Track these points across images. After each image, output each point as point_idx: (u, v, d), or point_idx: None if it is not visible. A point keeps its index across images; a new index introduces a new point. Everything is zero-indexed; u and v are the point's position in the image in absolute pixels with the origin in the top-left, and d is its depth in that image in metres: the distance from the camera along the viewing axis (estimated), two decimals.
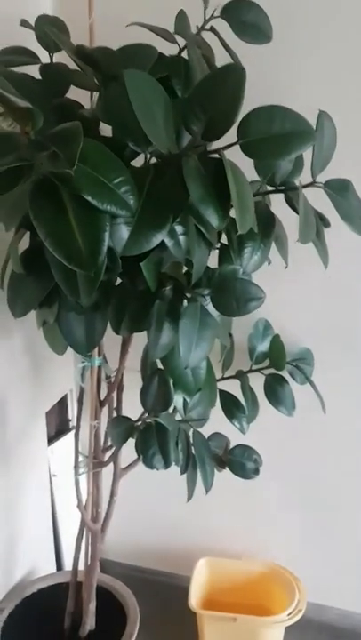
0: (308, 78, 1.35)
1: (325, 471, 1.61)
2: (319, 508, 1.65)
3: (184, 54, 1.09)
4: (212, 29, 1.11)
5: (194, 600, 1.56)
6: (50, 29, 0.91)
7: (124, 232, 0.80)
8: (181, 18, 1.05)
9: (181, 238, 0.87)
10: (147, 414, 1.09)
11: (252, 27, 1.10)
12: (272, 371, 1.41)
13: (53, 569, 1.69)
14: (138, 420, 1.10)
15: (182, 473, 1.13)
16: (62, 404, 1.73)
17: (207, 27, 1.11)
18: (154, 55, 0.91)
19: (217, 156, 0.84)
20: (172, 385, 1.05)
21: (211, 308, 1.00)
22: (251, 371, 1.43)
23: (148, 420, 1.07)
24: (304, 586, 1.61)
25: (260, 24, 1.11)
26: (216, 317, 1.02)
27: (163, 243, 0.84)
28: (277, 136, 0.81)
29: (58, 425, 1.73)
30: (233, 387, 1.41)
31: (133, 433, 1.07)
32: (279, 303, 1.48)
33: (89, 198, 0.70)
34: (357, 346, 1.49)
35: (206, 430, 1.32)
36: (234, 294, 0.95)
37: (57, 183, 0.69)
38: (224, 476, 1.54)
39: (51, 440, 1.67)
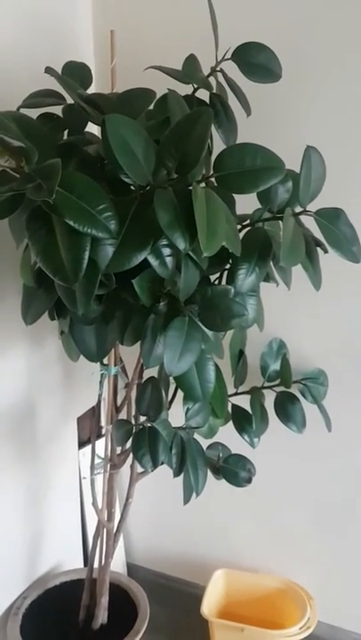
0: (319, 114, 1.43)
1: (349, 494, 1.63)
2: (342, 531, 1.67)
3: (201, 94, 1.21)
4: (222, 71, 1.21)
5: (206, 608, 1.63)
6: (62, 77, 1.05)
7: (110, 252, 0.91)
8: (190, 61, 1.16)
9: (168, 259, 0.97)
10: (146, 419, 1.18)
11: (261, 67, 1.20)
12: (283, 388, 1.47)
13: (81, 565, 1.81)
14: (137, 424, 1.20)
15: (175, 476, 1.21)
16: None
17: (218, 68, 1.22)
18: (152, 98, 1.03)
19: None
20: (164, 393, 1.15)
21: None
22: (263, 387, 1.50)
23: (146, 424, 1.17)
24: (317, 605, 1.64)
25: (269, 65, 1.21)
26: (209, 333, 1.12)
27: None
28: (248, 171, 0.91)
29: (92, 430, 1.85)
30: (248, 403, 1.48)
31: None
32: (296, 324, 1.55)
33: (71, 222, 0.82)
34: None
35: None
36: (219, 311, 1.04)
37: (45, 209, 0.82)
38: (249, 494, 1.61)
39: (83, 444, 1.80)
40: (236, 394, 1.49)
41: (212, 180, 1.00)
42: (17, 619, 1.50)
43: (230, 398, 1.43)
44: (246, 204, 1.17)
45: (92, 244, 0.87)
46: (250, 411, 1.44)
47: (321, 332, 1.54)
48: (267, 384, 1.50)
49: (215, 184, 1.01)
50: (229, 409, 1.43)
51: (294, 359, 1.53)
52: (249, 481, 1.33)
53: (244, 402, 1.47)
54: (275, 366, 1.50)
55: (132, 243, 0.91)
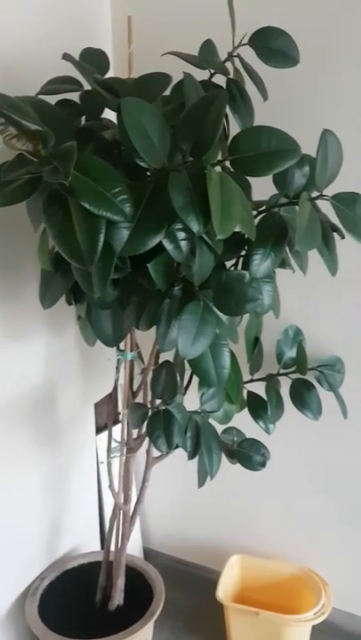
0: (336, 98, 1.42)
1: None
2: (358, 519, 1.66)
3: (217, 80, 1.21)
4: (238, 56, 1.21)
5: (222, 592, 1.64)
6: (78, 62, 1.05)
7: (125, 235, 0.92)
8: (207, 46, 1.17)
9: (182, 243, 0.98)
10: (161, 402, 1.20)
11: (278, 52, 1.19)
12: (299, 375, 1.47)
13: (98, 548, 1.83)
14: (153, 408, 1.21)
15: (190, 458, 1.22)
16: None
17: (235, 54, 1.22)
18: (168, 83, 1.03)
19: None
20: (178, 377, 1.16)
21: None
22: (278, 374, 1.50)
23: (162, 408, 1.18)
24: (334, 593, 1.64)
25: (287, 50, 1.20)
26: (224, 317, 1.12)
27: None
28: (263, 153, 0.91)
29: (109, 413, 1.86)
30: (263, 390, 1.48)
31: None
32: (312, 311, 1.55)
33: (86, 205, 0.83)
34: None
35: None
36: (233, 295, 1.04)
37: (62, 192, 0.83)
38: (266, 481, 1.62)
39: (101, 430, 1.82)
40: (251, 380, 1.50)
41: (228, 165, 1.01)
42: (35, 599, 1.53)
43: (246, 385, 1.44)
44: (263, 190, 1.17)
45: (108, 227, 0.88)
46: (265, 397, 1.45)
47: (337, 318, 1.54)
48: (282, 371, 1.50)
49: (231, 169, 1.01)
50: (245, 395, 1.44)
51: (310, 346, 1.53)
52: (263, 465, 1.34)
53: (259, 389, 1.47)
54: (291, 353, 1.51)
55: (147, 226, 0.92)
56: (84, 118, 1.16)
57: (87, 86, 1.16)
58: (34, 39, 1.35)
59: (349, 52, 1.38)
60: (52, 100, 1.12)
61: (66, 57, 1.11)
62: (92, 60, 1.17)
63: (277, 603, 1.68)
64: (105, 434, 1.81)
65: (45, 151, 0.84)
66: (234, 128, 1.14)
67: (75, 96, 1.18)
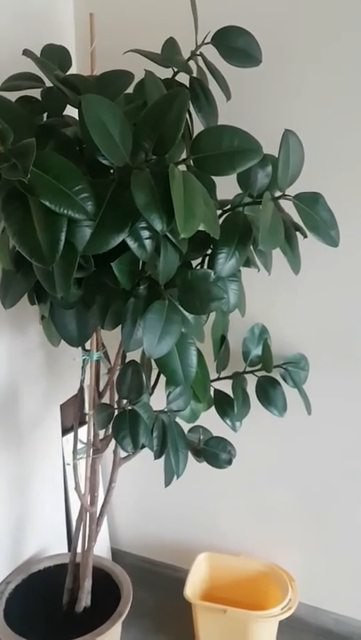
0: (298, 98, 1.43)
1: (330, 476, 1.65)
2: (323, 514, 1.69)
3: (181, 78, 1.21)
4: (202, 55, 1.21)
5: (189, 590, 1.64)
6: (39, 58, 1.04)
7: (88, 234, 0.91)
8: (169, 45, 1.16)
9: (147, 242, 0.98)
10: (127, 402, 1.19)
11: (241, 52, 1.20)
12: (264, 373, 1.48)
13: (65, 550, 1.81)
14: (119, 408, 1.21)
15: (156, 458, 1.22)
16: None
17: (198, 52, 1.22)
18: (129, 80, 1.03)
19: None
20: (145, 377, 1.16)
21: None
22: (244, 372, 1.51)
23: (128, 408, 1.18)
24: (299, 587, 1.66)
25: (249, 49, 1.21)
26: (190, 316, 1.12)
27: None
28: (225, 153, 0.91)
29: (75, 414, 1.84)
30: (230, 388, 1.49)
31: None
32: (277, 309, 1.56)
33: (47, 203, 0.82)
34: (354, 353, 1.53)
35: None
36: (198, 294, 1.04)
37: (21, 190, 0.82)
38: (233, 478, 1.62)
39: (67, 431, 1.80)
40: (218, 379, 1.50)
41: (191, 163, 1.01)
42: (0, 603, 1.50)
43: (213, 383, 1.44)
44: (228, 189, 1.18)
45: (70, 225, 0.87)
46: (232, 395, 1.45)
47: (302, 317, 1.55)
48: (248, 369, 1.51)
49: (194, 167, 1.01)
50: (212, 393, 1.44)
51: (276, 344, 1.54)
52: (229, 462, 1.35)
53: (226, 386, 1.48)
54: (256, 351, 1.51)
55: (109, 224, 0.91)
56: (45, 115, 1.15)
57: (49, 83, 1.15)
58: None
59: (311, 51, 1.39)
60: (13, 96, 1.10)
61: (26, 53, 1.09)
62: (54, 56, 1.16)
63: (245, 599, 1.69)
64: (71, 435, 1.79)
65: (4, 148, 0.83)
66: (198, 127, 1.14)
67: (36, 92, 1.16)
